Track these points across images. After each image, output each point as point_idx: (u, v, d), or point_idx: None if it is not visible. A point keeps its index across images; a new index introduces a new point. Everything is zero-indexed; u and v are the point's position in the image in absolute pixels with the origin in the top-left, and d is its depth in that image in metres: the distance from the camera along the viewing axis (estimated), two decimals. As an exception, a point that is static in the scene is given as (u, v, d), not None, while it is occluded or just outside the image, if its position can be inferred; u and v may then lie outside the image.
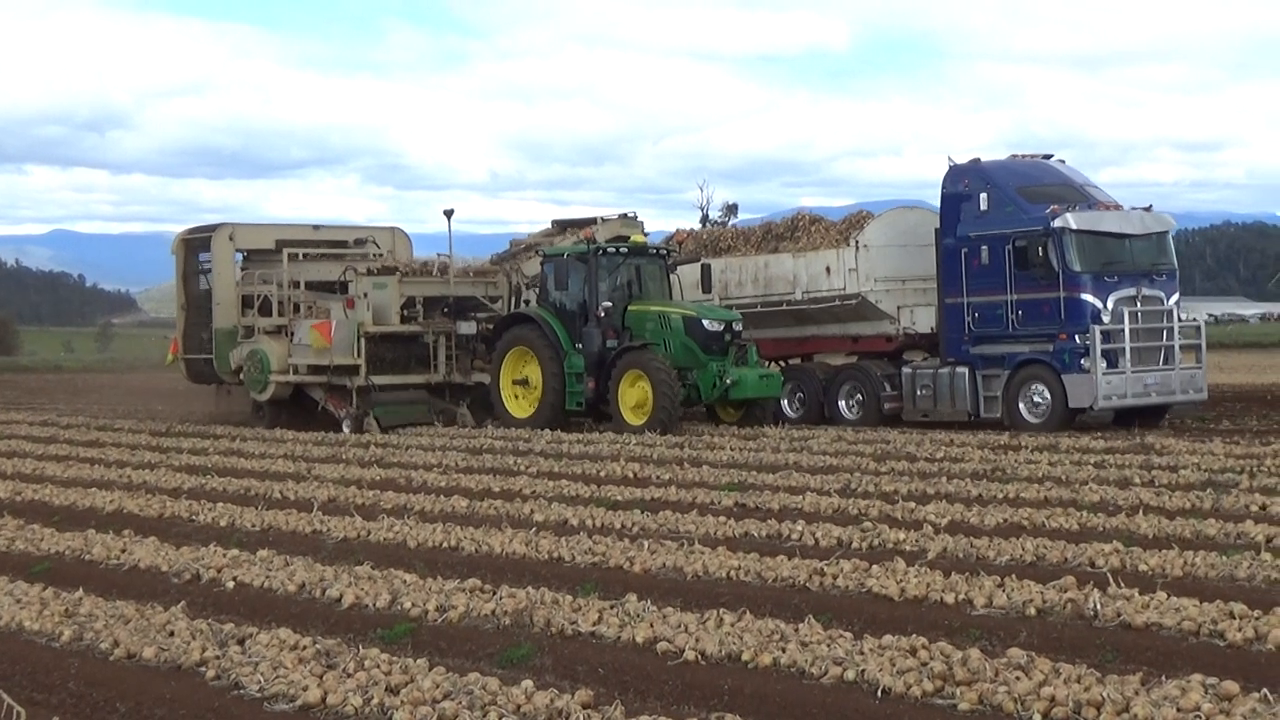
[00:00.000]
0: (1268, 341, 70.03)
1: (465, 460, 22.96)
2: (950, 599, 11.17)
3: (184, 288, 34.08)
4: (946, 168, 27.77)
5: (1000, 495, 16.93)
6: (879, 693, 8.74)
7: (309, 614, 11.74)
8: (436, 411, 30.55)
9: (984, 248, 26.62)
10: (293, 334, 30.88)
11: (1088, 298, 25.69)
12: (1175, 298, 26.70)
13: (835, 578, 12.06)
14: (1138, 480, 17.96)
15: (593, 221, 32.12)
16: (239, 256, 33.47)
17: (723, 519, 15.62)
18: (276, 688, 9.20)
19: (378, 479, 20.83)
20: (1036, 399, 26.10)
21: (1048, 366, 25.88)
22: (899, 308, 28.73)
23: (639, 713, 8.59)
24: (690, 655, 9.67)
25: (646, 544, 13.97)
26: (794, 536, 14.48)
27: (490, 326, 30.70)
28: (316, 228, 34.52)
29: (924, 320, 28.67)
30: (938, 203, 28.21)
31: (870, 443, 23.85)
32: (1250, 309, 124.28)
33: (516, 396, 29.32)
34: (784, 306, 29.98)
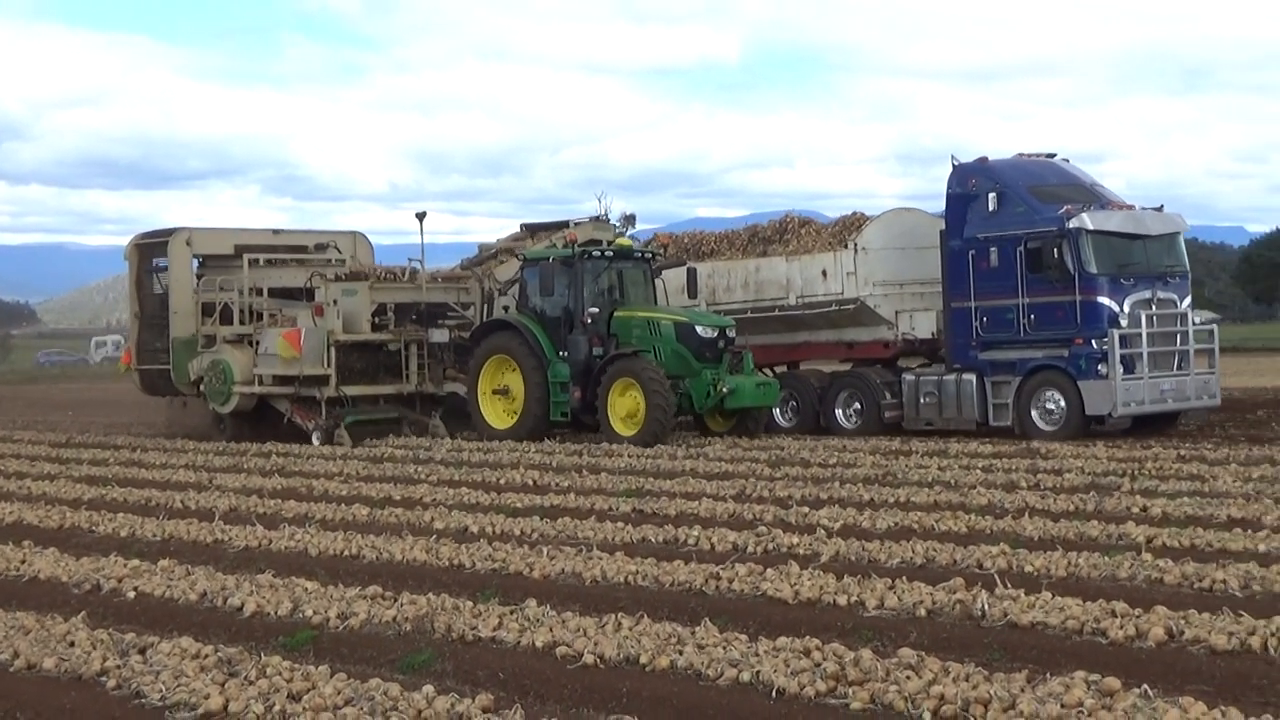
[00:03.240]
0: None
1: (366, 469, 22.95)
2: (843, 601, 11.38)
3: (137, 296, 32.61)
4: (951, 168, 26.46)
5: (891, 500, 17.18)
6: (774, 693, 8.91)
7: (210, 623, 11.76)
8: (408, 423, 29.39)
9: (993, 249, 25.46)
10: (257, 343, 29.43)
11: (1104, 301, 24.62)
12: (1188, 301, 25.76)
13: (731, 581, 12.23)
14: (1024, 484, 18.30)
15: (565, 224, 31.18)
16: (195, 262, 32.13)
17: (621, 525, 15.79)
18: (178, 696, 9.24)
19: (279, 488, 20.79)
20: (1050, 406, 24.92)
21: (1063, 372, 24.74)
22: (897, 312, 27.59)
23: (539, 716, 8.74)
24: (589, 659, 9.82)
25: (546, 550, 14.10)
26: (690, 541, 14.65)
27: (463, 335, 29.67)
28: (276, 232, 33.40)
29: (923, 325, 27.51)
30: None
31: (765, 449, 24.05)
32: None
33: (496, 407, 28.10)
34: (776, 312, 28.72)
